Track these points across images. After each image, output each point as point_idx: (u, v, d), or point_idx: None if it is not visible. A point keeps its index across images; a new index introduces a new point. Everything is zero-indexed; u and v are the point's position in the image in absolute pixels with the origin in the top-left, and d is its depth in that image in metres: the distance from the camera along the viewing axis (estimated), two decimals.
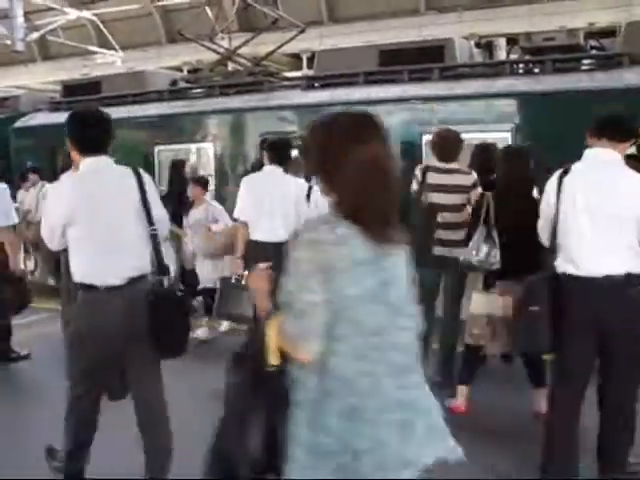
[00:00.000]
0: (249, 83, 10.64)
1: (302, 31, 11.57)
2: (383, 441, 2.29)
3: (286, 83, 10.91)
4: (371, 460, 2.27)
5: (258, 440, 2.66)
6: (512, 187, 5.34)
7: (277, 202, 6.27)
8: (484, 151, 6.52)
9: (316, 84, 10.04)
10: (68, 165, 9.60)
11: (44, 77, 26.29)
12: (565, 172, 4.13)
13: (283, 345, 2.36)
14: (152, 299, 3.75)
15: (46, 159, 10.25)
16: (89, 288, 3.78)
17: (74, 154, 4.06)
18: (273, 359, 2.41)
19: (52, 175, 9.36)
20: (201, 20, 13.35)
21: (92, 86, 12.40)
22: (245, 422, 2.70)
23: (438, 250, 5.91)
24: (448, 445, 2.43)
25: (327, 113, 2.54)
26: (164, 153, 10.78)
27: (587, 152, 4.18)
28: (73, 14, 21.54)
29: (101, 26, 23.08)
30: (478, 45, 9.98)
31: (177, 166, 9.48)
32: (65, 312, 6.62)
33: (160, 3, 24.09)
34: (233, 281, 6.34)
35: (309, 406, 2.33)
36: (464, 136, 8.48)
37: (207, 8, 13.00)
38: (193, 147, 10.75)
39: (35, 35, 19.93)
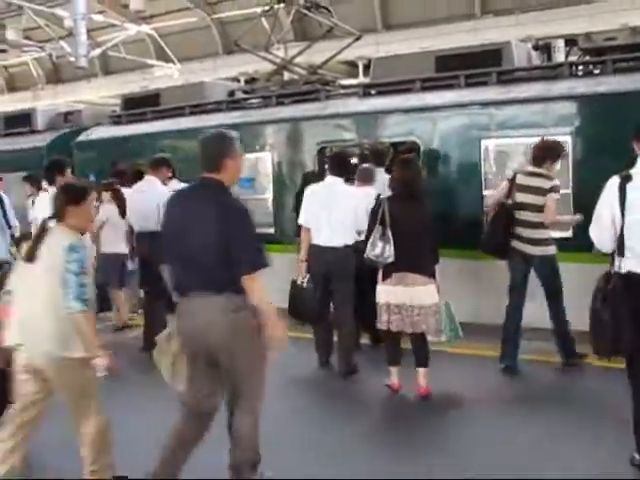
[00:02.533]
0: (305, 92, 10.69)
1: (357, 38, 11.58)
2: None
3: (343, 91, 10.91)
4: None
5: None
6: (403, 192, 6.27)
7: (335, 212, 6.89)
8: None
9: (373, 91, 10.03)
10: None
11: (105, 91, 26.97)
12: (626, 179, 4.26)
13: None
14: None
15: (107, 172, 10.49)
16: None
17: None
18: None
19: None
20: (257, 31, 13.49)
21: (151, 99, 12.64)
22: None
23: (516, 244, 6.81)
24: None
25: None
26: None
27: None
28: (133, 29, 22.06)
29: (159, 40, 23.57)
30: (536, 48, 9.81)
31: None
32: None
33: (217, 16, 24.45)
34: (299, 283, 6.91)
35: None
36: (523, 140, 8.46)
37: (263, 19, 13.12)
38: (251, 157, 10.86)
39: (97, 51, 20.47)
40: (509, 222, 6.82)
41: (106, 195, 9.29)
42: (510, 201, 6.87)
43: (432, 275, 6.19)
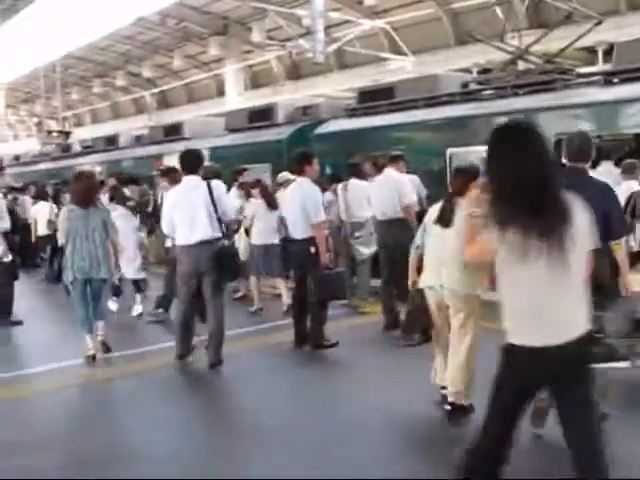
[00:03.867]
0: (542, 82, 10.44)
1: (598, 23, 11.08)
2: None
3: (581, 80, 10.53)
4: None
5: None
6: None
7: None
8: None
9: (616, 79, 9.58)
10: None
11: (340, 85, 27.90)
12: None
13: None
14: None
15: (343, 163, 10.94)
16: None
17: None
18: None
19: (348, 177, 10.05)
20: (490, 20, 13.33)
21: (386, 92, 12.96)
22: None
23: None
24: None
25: None
26: (458, 156, 10.99)
27: None
28: (367, 24, 22.68)
29: (393, 33, 23.99)
30: None
31: None
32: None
33: (449, 7, 24.41)
34: None
35: None
36: None
37: (496, 8, 12.95)
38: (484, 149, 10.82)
39: (333, 47, 21.32)
40: None
41: (255, 191, 9.87)
42: None
43: None
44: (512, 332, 3.26)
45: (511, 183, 3.18)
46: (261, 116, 15.66)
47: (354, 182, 9.94)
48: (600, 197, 4.80)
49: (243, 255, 9.36)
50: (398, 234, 8.11)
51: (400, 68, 23.05)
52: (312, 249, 7.51)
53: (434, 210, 5.67)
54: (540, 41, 11.64)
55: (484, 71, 13.47)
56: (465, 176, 5.53)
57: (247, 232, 9.93)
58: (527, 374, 3.29)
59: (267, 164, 13.39)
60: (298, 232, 7.69)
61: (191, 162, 7.27)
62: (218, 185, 7.79)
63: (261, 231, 9.69)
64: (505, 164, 3.26)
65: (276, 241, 9.44)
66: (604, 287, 4.47)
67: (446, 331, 5.56)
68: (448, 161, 10.93)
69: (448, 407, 5.42)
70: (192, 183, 7.15)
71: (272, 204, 9.57)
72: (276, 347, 7.85)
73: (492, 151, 3.35)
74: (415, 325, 5.82)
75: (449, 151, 10.91)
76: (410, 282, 5.84)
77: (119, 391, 6.72)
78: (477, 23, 14.39)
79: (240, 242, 9.91)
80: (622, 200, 7.04)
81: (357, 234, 9.77)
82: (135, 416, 5.93)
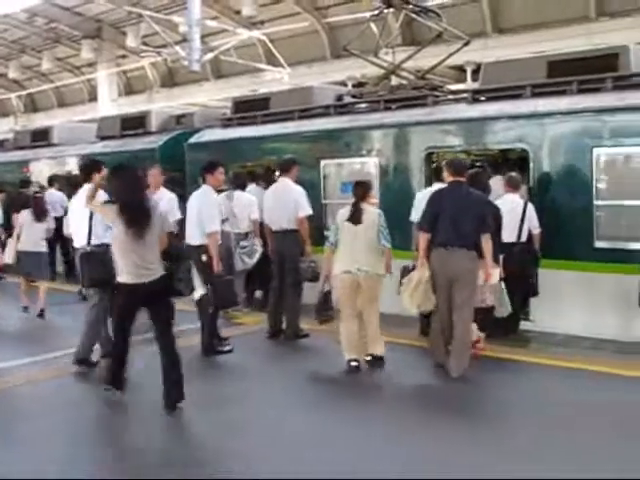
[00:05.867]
0: (414, 97, 10.67)
1: (467, 43, 11.45)
2: None
3: (451, 97, 10.85)
4: None
5: None
6: None
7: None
8: None
9: (482, 97, 9.92)
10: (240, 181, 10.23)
11: (216, 94, 27.63)
12: None
13: None
14: None
15: None
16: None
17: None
18: None
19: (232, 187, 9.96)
20: (366, 35, 13.51)
21: (261, 102, 12.90)
22: None
23: None
24: None
25: None
26: (329, 167, 11.06)
27: None
28: (244, 34, 22.57)
29: (270, 45, 23.99)
30: None
31: None
32: None
33: (326, 20, 24.67)
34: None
35: None
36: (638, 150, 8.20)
37: (371, 24, 13.14)
38: (358, 161, 10.95)
39: (209, 56, 21.06)
40: None
41: None
42: None
43: None
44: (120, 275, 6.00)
45: None
46: (134, 123, 15.27)
47: (238, 193, 9.94)
48: (476, 203, 6.99)
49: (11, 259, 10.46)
50: (291, 246, 8.46)
51: (276, 79, 23.07)
52: (204, 257, 7.70)
53: (343, 212, 7.36)
54: (413, 58, 11.90)
55: (359, 85, 13.62)
56: (364, 187, 7.50)
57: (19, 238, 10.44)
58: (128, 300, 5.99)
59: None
60: (194, 239, 7.89)
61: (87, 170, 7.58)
62: None
63: (29, 239, 10.31)
64: None
65: (44, 249, 10.43)
66: None
67: (356, 307, 7.20)
68: (322, 172, 11.00)
69: (369, 358, 7.21)
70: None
71: (40, 216, 10.34)
72: None
73: None
74: (327, 306, 7.46)
75: (323, 162, 10.98)
76: (325, 272, 7.47)
77: None
78: (353, 38, 14.55)
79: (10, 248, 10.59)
80: (506, 211, 7.77)
81: (243, 244, 9.69)
82: None
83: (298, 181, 8.88)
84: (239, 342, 8.23)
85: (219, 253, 7.93)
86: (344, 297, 7.25)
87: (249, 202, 9.83)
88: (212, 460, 5.10)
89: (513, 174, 8.67)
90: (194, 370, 6.85)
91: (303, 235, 8.52)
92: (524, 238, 8.29)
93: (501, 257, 7.41)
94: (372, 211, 7.38)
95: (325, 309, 7.48)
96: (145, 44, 27.27)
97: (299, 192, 8.64)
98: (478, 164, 9.63)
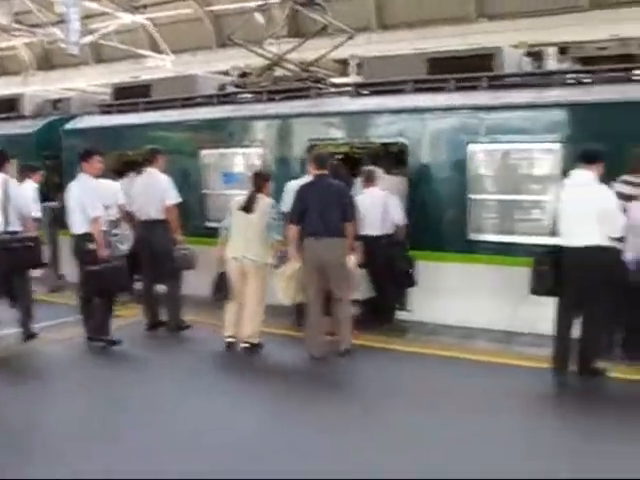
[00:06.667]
0: (297, 89, 10.68)
1: (351, 37, 11.56)
2: None
3: (334, 90, 10.92)
4: None
5: None
6: None
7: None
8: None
9: (364, 91, 10.04)
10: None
11: (96, 80, 26.67)
12: None
13: None
14: None
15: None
16: None
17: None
18: None
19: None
20: (251, 25, 13.43)
21: (142, 89, 12.55)
22: None
23: None
24: None
25: None
26: (210, 157, 10.91)
27: None
28: (126, 18, 21.92)
29: (152, 30, 23.42)
30: (528, 54, 9.83)
31: None
32: None
33: (210, 8, 24.32)
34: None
35: None
36: (510, 147, 8.56)
37: (257, 14, 13.07)
38: (240, 151, 10.86)
39: (89, 39, 20.33)
40: None
41: None
42: None
43: None
44: None
45: None
46: (5, 107, 14.46)
47: (103, 181, 9.58)
48: (338, 193, 7.44)
49: None
50: (161, 235, 8.40)
51: (159, 66, 22.55)
52: (90, 245, 7.71)
53: (237, 200, 7.67)
54: (297, 49, 11.91)
55: (243, 75, 13.48)
56: (262, 177, 7.74)
57: None
58: None
59: (13, 160, 12.39)
60: (78, 227, 7.86)
61: None
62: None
63: None
64: None
65: None
66: None
67: (243, 292, 7.50)
68: (202, 161, 10.84)
69: (246, 345, 7.54)
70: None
71: None
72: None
73: None
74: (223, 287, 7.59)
75: (203, 152, 10.83)
76: (218, 256, 7.65)
77: None
78: (237, 27, 14.42)
79: None
80: (368, 205, 8.23)
81: (114, 232, 9.46)
82: None
83: (179, 171, 8.76)
84: (118, 335, 8.06)
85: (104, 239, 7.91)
86: (233, 280, 7.55)
87: (114, 188, 9.54)
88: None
89: (369, 168, 8.93)
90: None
91: (172, 223, 8.48)
92: (388, 230, 8.60)
93: (359, 245, 7.79)
94: (266, 202, 7.59)
95: (220, 289, 7.68)
96: (18, 22, 25.96)
97: (165, 180, 8.58)
98: (338, 157, 9.82)
